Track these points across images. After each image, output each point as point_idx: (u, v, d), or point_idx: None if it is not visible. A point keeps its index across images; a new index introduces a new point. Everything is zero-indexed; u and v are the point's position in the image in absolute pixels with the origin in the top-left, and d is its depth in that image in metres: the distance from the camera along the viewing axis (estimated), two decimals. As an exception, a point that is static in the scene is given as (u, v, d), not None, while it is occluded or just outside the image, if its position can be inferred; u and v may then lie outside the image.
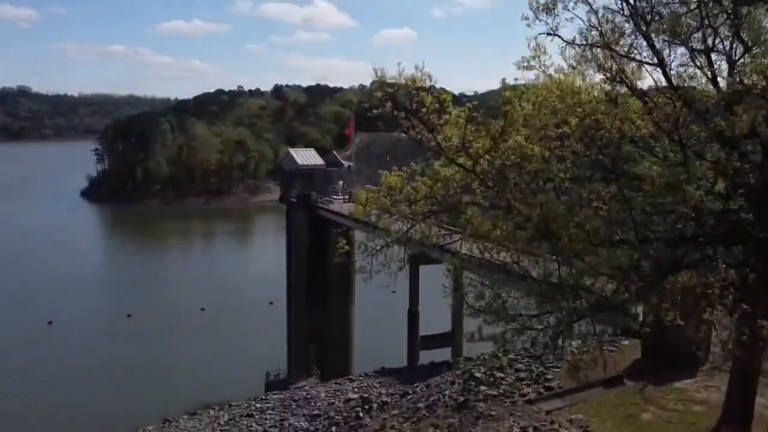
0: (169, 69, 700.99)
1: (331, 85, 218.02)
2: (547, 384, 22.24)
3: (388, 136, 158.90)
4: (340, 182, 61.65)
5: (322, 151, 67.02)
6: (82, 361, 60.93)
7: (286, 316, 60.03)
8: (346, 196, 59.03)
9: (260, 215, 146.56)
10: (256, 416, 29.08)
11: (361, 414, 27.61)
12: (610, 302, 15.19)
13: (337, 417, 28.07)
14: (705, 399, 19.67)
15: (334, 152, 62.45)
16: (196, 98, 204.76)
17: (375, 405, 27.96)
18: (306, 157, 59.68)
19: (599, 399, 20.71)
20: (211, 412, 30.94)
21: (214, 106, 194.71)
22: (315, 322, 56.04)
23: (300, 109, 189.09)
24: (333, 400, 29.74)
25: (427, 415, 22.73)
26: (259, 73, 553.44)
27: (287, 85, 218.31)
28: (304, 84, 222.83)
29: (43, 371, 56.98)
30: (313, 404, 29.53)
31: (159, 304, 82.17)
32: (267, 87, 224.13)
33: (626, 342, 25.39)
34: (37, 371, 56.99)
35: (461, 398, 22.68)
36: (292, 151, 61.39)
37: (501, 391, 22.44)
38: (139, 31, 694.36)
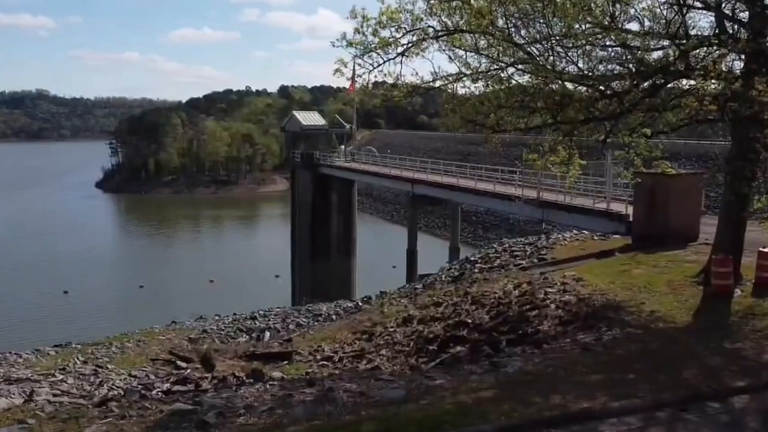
0: (180, 75, 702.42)
1: (335, 86, 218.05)
2: (540, 257, 21.87)
3: (388, 132, 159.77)
4: (342, 146, 61.59)
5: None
6: (94, 319, 60.78)
7: (290, 274, 59.74)
8: (349, 157, 59.01)
9: (267, 203, 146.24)
10: (260, 319, 28.69)
11: (360, 303, 27.34)
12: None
13: (339, 310, 27.79)
14: (695, 260, 19.19)
15: (337, 115, 62.22)
16: (205, 96, 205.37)
17: (374, 297, 27.69)
18: (310, 118, 59.47)
19: (592, 264, 20.33)
20: (216, 317, 30.62)
21: (223, 103, 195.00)
22: (318, 277, 55.85)
23: (305, 106, 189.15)
24: (336, 309, 29.35)
25: (425, 290, 22.36)
26: (266, 78, 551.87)
27: (293, 86, 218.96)
28: (310, 86, 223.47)
29: (56, 324, 56.69)
30: (315, 312, 29.13)
31: (170, 277, 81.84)
32: (273, 88, 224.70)
33: (617, 236, 25.03)
34: (51, 322, 56.59)
35: (457, 273, 22.33)
36: (297, 113, 61.22)
37: (496, 265, 22.11)
38: (151, 39, 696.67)
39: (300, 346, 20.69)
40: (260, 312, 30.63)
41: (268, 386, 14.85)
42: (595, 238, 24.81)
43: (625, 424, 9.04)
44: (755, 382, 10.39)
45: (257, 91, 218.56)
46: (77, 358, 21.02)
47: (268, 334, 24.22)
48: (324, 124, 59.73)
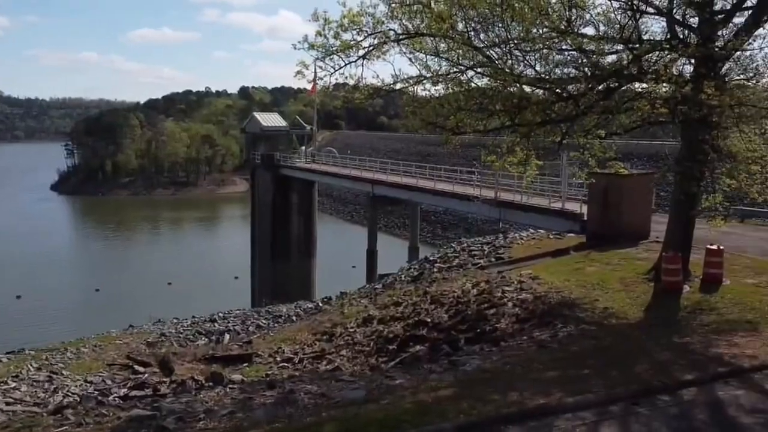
0: (140, 75, 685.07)
1: (296, 87, 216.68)
2: (498, 255, 22.08)
3: (349, 133, 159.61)
4: (302, 147, 61.29)
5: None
6: (49, 324, 59.02)
7: (250, 275, 59.13)
8: (310, 158, 58.79)
9: (227, 204, 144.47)
10: (219, 321, 28.30)
11: (320, 304, 27.22)
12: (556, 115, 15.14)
13: (299, 311, 27.60)
14: (646, 257, 19.63)
15: (297, 116, 61.81)
16: (164, 97, 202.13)
17: (334, 297, 27.57)
18: (270, 119, 59.01)
19: (548, 262, 20.63)
20: (175, 320, 30.08)
21: (182, 104, 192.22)
22: (279, 278, 55.45)
23: (265, 107, 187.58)
24: (296, 310, 29.13)
25: (385, 290, 22.36)
26: (227, 79, 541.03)
27: (253, 87, 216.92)
28: (271, 87, 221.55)
29: (9, 330, 54.86)
30: (275, 314, 28.87)
31: (127, 281, 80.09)
32: (234, 89, 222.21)
33: (572, 235, 25.43)
34: (3, 328, 54.75)
35: (416, 273, 22.39)
36: (257, 114, 60.69)
37: (455, 264, 22.24)
38: (111, 39, 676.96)
39: (260, 347, 20.47)
40: (219, 314, 30.24)
41: (228, 389, 14.68)
42: (551, 236, 25.18)
43: (579, 419, 9.18)
44: (703, 376, 10.68)
45: (217, 92, 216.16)
46: (31, 365, 20.40)
47: (227, 336, 23.92)
48: (284, 125, 59.37)
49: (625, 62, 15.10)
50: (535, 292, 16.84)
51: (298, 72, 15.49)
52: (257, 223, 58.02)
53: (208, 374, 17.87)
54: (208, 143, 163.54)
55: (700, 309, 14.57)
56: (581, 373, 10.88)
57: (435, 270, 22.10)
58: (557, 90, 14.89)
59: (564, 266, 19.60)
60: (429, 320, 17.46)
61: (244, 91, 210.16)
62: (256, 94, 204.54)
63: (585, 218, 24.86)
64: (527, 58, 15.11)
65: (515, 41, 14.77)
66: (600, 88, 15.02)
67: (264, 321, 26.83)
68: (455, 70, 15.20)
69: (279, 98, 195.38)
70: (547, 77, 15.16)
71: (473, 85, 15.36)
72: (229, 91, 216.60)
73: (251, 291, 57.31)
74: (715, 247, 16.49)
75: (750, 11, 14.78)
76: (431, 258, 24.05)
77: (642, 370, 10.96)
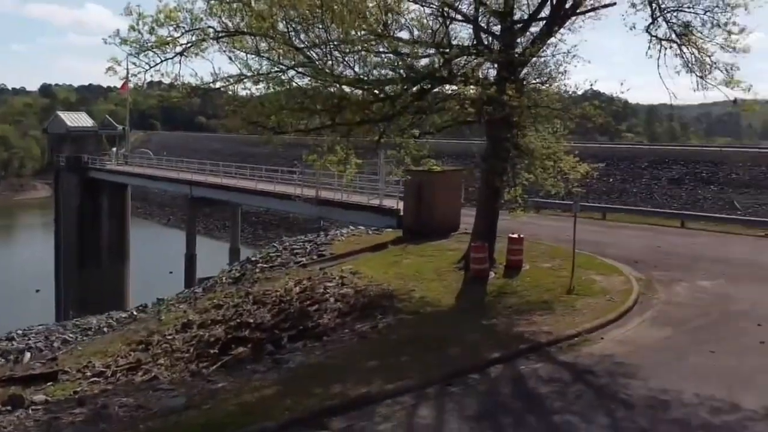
0: None
1: (105, 85, 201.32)
2: (320, 253, 22.21)
3: (164, 134, 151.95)
4: (114, 149, 57.25)
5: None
6: None
7: (54, 287, 53.91)
8: (122, 160, 55.12)
9: (26, 211, 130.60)
10: (18, 339, 25.41)
11: (135, 313, 25.56)
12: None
13: (112, 322, 25.68)
14: (457, 248, 20.75)
15: (108, 116, 57.52)
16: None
17: (150, 304, 25.99)
18: (76, 119, 54.31)
19: (367, 257, 21.11)
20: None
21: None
22: (88, 288, 51.10)
23: (71, 106, 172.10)
24: (107, 321, 27.04)
25: (205, 294, 21.54)
26: (27, 74, 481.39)
27: (57, 84, 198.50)
28: (77, 85, 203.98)
29: None
30: (84, 326, 26.57)
31: None
32: (34, 87, 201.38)
33: (389, 230, 26.23)
34: None
35: (238, 275, 21.84)
36: (61, 114, 55.58)
37: (277, 264, 22.01)
38: None
39: (67, 364, 18.77)
40: (18, 331, 27.19)
41: (30, 411, 13.37)
42: (370, 232, 25.84)
43: (399, 403, 9.48)
44: (507, 353, 11.56)
45: (14, 89, 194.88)
46: None
47: (28, 354, 21.65)
48: (93, 125, 54.92)
49: (437, 65, 15.93)
50: (356, 286, 17.17)
51: (109, 68, 14.52)
52: (62, 230, 53.00)
53: (5, 398, 16.09)
54: (3, 145, 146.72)
55: (504, 293, 15.80)
56: (400, 360, 11.26)
57: (257, 270, 21.71)
58: (375, 91, 15.34)
59: (382, 260, 20.21)
60: (251, 321, 17.10)
61: (46, 89, 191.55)
62: (60, 92, 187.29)
63: (401, 213, 25.77)
64: (346, 59, 15.36)
65: (335, 42, 14.94)
66: (414, 89, 15.66)
67: (71, 335, 24.60)
68: (276, 69, 15.11)
69: (87, 97, 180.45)
70: (365, 78, 15.51)
71: (294, 84, 15.38)
72: (28, 89, 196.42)
73: (56, 303, 52.26)
74: (516, 236, 17.96)
75: (544, 21, 16.30)
76: (253, 259, 23.61)
77: (454, 353, 11.59)
